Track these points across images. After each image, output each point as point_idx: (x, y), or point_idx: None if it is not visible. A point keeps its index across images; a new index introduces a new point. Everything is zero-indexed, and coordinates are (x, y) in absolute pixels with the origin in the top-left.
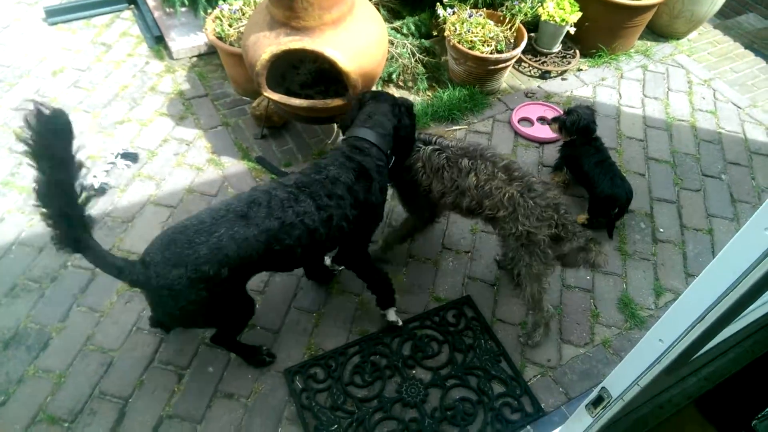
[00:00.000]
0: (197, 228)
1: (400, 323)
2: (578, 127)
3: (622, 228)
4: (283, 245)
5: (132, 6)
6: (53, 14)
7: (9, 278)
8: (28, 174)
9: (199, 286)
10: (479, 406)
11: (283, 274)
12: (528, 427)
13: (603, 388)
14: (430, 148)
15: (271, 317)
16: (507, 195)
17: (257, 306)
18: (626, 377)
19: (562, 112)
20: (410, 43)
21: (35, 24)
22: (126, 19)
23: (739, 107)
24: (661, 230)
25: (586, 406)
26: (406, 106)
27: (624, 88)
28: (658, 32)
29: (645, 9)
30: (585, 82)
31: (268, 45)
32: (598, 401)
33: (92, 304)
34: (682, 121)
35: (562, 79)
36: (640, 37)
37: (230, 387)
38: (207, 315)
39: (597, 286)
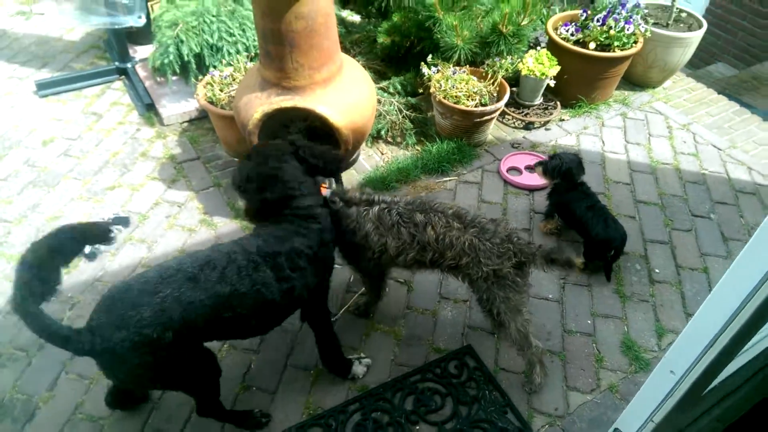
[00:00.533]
0: (141, 288)
1: (360, 376)
2: (561, 171)
3: (618, 270)
4: (235, 313)
5: (123, 77)
6: (44, 87)
7: None
8: (16, 242)
9: (142, 349)
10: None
11: (277, 330)
12: None
13: (616, 429)
14: (377, 207)
15: (267, 377)
16: (467, 243)
17: (252, 366)
18: (640, 414)
19: (546, 158)
20: (397, 101)
21: (26, 97)
22: (117, 89)
23: (719, 149)
24: (657, 271)
25: None
26: (298, 146)
27: (606, 135)
28: (634, 82)
29: (619, 60)
30: (568, 131)
31: (259, 105)
32: None
33: (81, 371)
34: (666, 164)
35: (546, 129)
36: (618, 87)
37: None
38: (158, 378)
39: (598, 329)
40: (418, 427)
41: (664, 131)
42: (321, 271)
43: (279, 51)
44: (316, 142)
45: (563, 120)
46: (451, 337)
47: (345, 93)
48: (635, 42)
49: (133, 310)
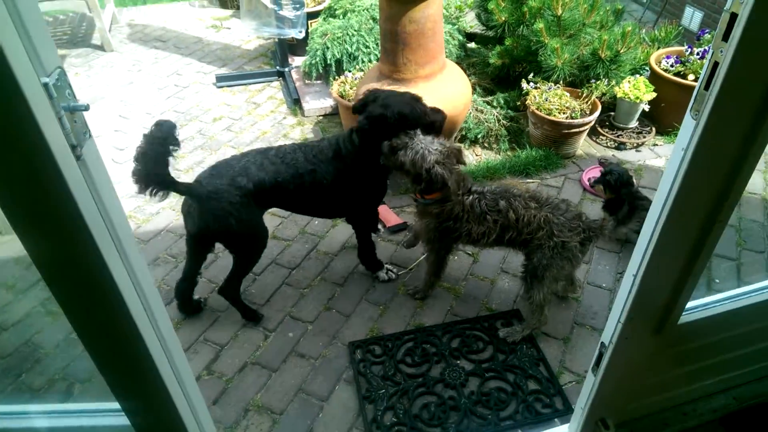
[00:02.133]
0: (230, 160)
1: (393, 277)
2: (622, 181)
3: None
4: (285, 179)
5: (280, 78)
6: (221, 80)
7: None
8: None
9: (230, 191)
10: (513, 397)
11: (359, 276)
12: (556, 420)
13: (601, 343)
14: (471, 197)
15: (346, 304)
16: (543, 218)
17: (336, 294)
18: (611, 324)
19: (600, 175)
20: (497, 113)
21: (207, 86)
22: (274, 87)
23: None
24: (717, 281)
25: (591, 368)
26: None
27: None
28: None
29: None
30: (658, 155)
31: None
32: (599, 359)
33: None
34: (754, 194)
35: (637, 151)
36: None
37: (304, 349)
38: (236, 224)
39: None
40: (458, 361)
41: (760, 165)
42: (338, 174)
43: (394, 48)
44: None
45: (656, 145)
46: (503, 302)
47: (443, 88)
48: None
49: (227, 168)
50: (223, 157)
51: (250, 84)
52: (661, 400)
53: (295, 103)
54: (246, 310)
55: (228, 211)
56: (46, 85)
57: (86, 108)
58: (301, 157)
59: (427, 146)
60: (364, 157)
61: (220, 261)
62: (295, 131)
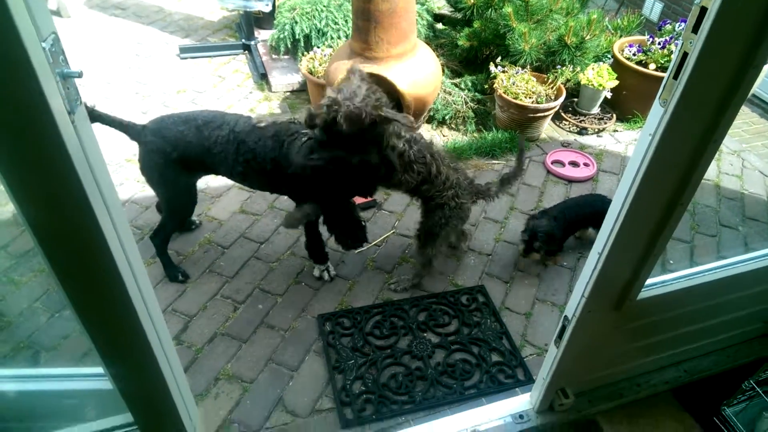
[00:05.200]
0: (177, 119)
1: (326, 278)
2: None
3: None
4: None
5: (246, 51)
6: (185, 51)
7: None
8: None
9: (162, 149)
10: (477, 368)
11: (332, 247)
12: (517, 389)
13: (564, 316)
14: (402, 143)
15: (315, 278)
16: (455, 179)
17: (304, 269)
18: (575, 298)
19: (590, 161)
20: (465, 95)
21: (170, 58)
22: (239, 61)
23: (765, 175)
24: (671, 262)
25: (554, 341)
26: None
27: None
28: None
29: None
30: (619, 141)
31: (344, 69)
32: (561, 332)
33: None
34: (708, 180)
35: (598, 136)
36: None
37: (273, 321)
38: (158, 178)
39: None
40: (425, 334)
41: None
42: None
43: (366, 26)
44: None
45: (616, 131)
46: (469, 278)
47: (414, 68)
48: None
49: (169, 122)
50: None
51: (214, 56)
52: (617, 372)
53: (262, 78)
54: (168, 265)
55: (152, 167)
56: (44, 50)
57: (80, 75)
58: (251, 138)
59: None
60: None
61: (194, 233)
62: (262, 106)
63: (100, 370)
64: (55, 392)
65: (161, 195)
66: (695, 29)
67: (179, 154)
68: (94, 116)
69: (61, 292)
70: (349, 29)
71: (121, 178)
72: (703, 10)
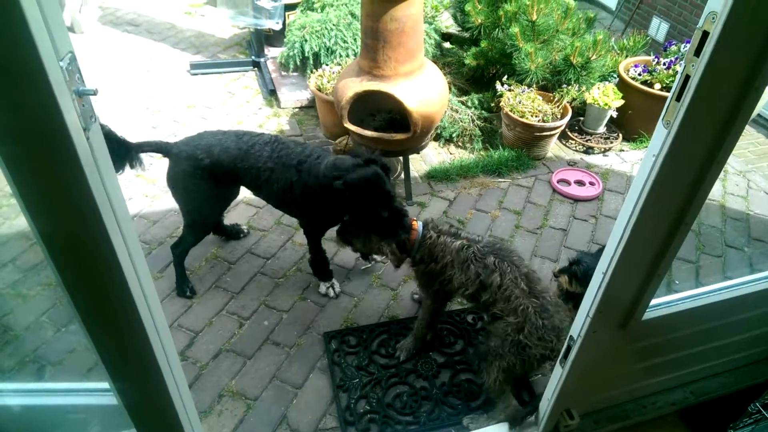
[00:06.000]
0: (207, 135)
1: (332, 295)
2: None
3: None
4: (245, 165)
5: (256, 68)
6: (196, 67)
7: None
8: (155, 172)
9: (190, 161)
10: (483, 390)
11: (337, 264)
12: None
13: (570, 336)
14: (458, 242)
15: (320, 295)
16: (522, 307)
17: (310, 285)
18: (580, 318)
19: (596, 180)
20: (472, 113)
21: (181, 73)
22: (250, 78)
23: None
24: (677, 282)
25: (559, 361)
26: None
27: None
28: None
29: None
30: (625, 160)
31: (353, 86)
32: (567, 352)
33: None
34: (713, 200)
35: (604, 155)
36: None
37: (278, 338)
38: (182, 190)
39: None
40: (431, 353)
41: (720, 174)
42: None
43: (374, 44)
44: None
45: (623, 150)
46: None
47: (421, 86)
48: None
49: (197, 140)
50: None
51: (225, 73)
52: (623, 393)
53: (271, 94)
54: (181, 277)
55: (179, 176)
56: (61, 69)
57: (95, 93)
58: (266, 152)
59: None
60: (318, 194)
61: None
62: (271, 122)
63: (105, 385)
64: (61, 407)
65: (179, 203)
66: (697, 52)
67: (212, 161)
68: (139, 149)
69: (70, 305)
70: (357, 47)
71: (130, 192)
72: (705, 34)
